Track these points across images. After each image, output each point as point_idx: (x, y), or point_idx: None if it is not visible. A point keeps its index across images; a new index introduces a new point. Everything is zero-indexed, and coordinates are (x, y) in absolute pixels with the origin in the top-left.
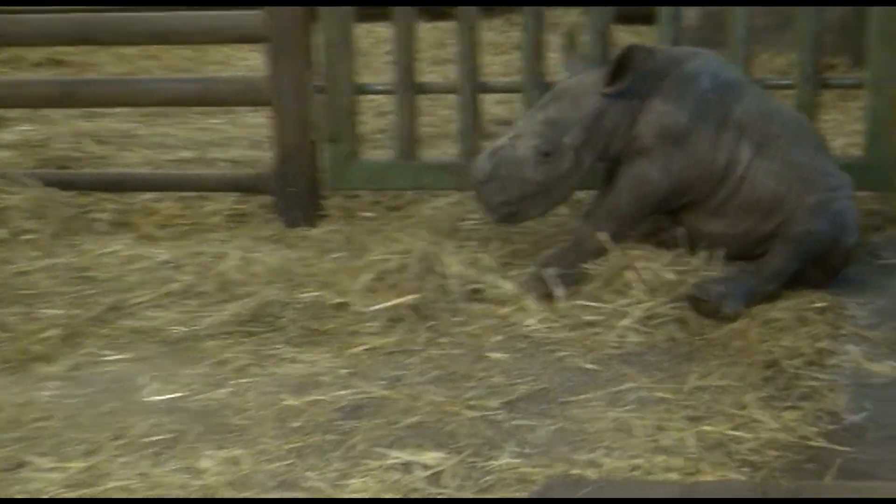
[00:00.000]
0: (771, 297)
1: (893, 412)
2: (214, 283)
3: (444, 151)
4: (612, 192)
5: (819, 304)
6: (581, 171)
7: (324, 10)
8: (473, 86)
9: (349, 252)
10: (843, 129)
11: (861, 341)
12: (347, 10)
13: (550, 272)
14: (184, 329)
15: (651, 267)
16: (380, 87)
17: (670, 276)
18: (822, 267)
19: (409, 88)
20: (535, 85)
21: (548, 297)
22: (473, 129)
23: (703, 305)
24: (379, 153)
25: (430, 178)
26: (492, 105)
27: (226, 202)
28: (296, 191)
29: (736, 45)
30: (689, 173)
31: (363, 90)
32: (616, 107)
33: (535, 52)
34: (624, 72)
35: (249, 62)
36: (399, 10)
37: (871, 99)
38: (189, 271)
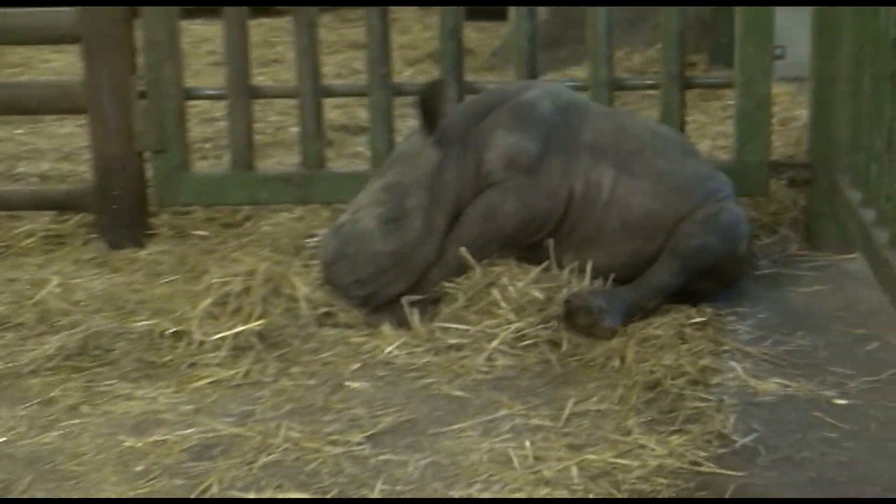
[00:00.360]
0: (648, 313)
1: (783, 432)
2: (34, 314)
3: (279, 161)
4: (459, 224)
5: (698, 320)
6: (438, 235)
7: (146, 7)
8: (315, 89)
9: (183, 275)
10: (708, 130)
11: (744, 358)
12: (172, 7)
13: (404, 300)
14: (2, 365)
15: (516, 284)
16: (210, 92)
17: (537, 293)
18: (717, 280)
19: (243, 93)
20: (381, 87)
21: (404, 323)
22: (315, 136)
23: (581, 318)
24: (211, 165)
25: (268, 192)
26: (329, 109)
27: (39, 222)
28: (119, 208)
29: (596, 41)
30: (544, 205)
31: (191, 95)
32: (453, 155)
33: (380, 52)
34: (432, 111)
35: (53, 64)
36: (230, 8)
37: (740, 99)
38: (3, 300)
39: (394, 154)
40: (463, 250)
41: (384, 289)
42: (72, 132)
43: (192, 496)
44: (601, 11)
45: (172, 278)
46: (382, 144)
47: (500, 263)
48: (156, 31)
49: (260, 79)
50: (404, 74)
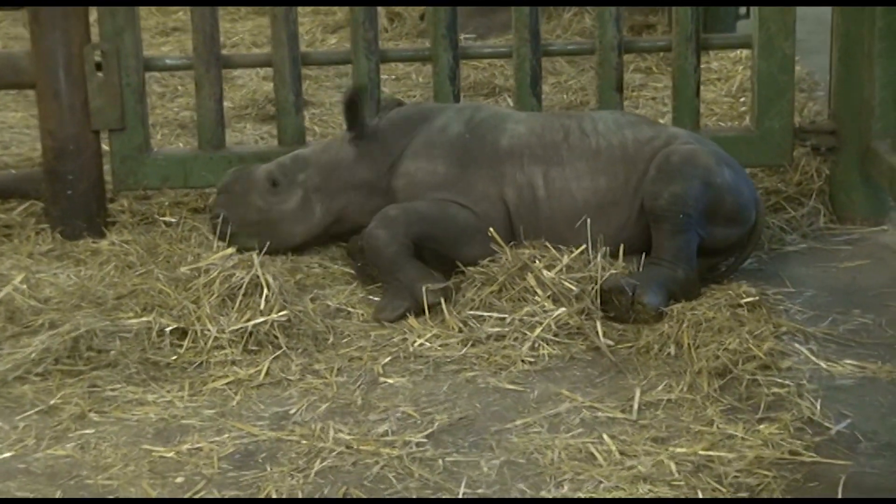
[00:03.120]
0: (690, 290)
1: (876, 417)
2: (1, 314)
3: (244, 138)
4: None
5: (748, 300)
6: (312, 221)
7: None
8: (294, 57)
9: (159, 266)
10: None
11: (806, 339)
12: None
13: (424, 289)
14: None
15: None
16: (173, 62)
17: (570, 284)
18: (732, 222)
19: (215, 62)
20: (368, 54)
21: (420, 310)
22: (295, 108)
23: (618, 298)
24: (176, 144)
25: None
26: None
27: None
28: (74, 194)
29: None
30: (482, 207)
31: (152, 66)
32: (364, 163)
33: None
34: (354, 114)
35: None
36: None
37: (759, 62)
38: None
39: (320, 140)
40: (492, 231)
41: (241, 237)
42: (14, 109)
43: None
44: None
45: (146, 269)
46: (369, 115)
47: (529, 245)
48: None
49: (164, 49)
50: (329, 43)
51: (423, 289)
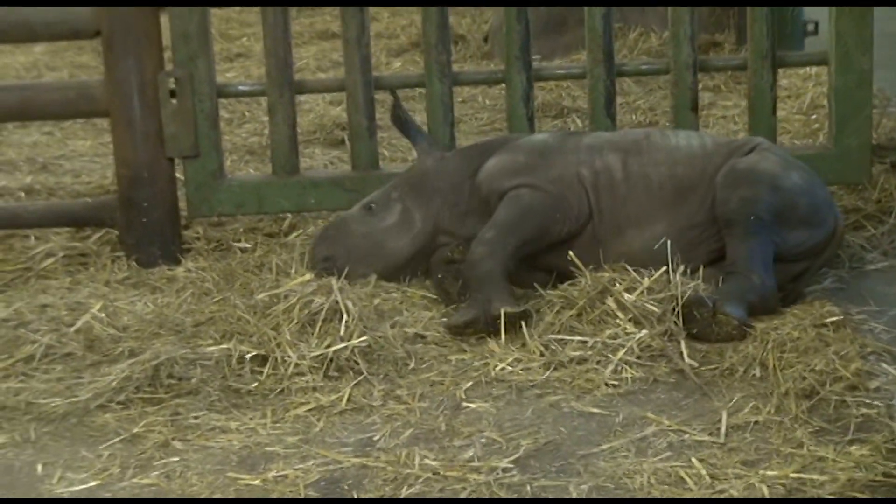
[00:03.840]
0: (768, 298)
1: None
2: (80, 342)
3: (312, 163)
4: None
5: (833, 319)
6: (416, 229)
7: None
8: (366, 81)
9: (236, 292)
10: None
11: (893, 359)
12: None
13: (503, 312)
14: (63, 401)
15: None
16: (247, 88)
17: (652, 306)
18: (800, 225)
19: (286, 87)
20: (441, 77)
21: (491, 333)
22: (368, 133)
23: (699, 311)
24: (246, 170)
25: (316, 197)
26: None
27: (55, 240)
28: (149, 221)
29: (677, 18)
30: (555, 188)
31: (226, 92)
32: (449, 167)
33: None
34: (403, 124)
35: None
36: None
37: (836, 78)
38: (41, 329)
39: None
40: (571, 254)
41: (353, 269)
42: (87, 137)
43: None
44: None
45: (222, 296)
46: (444, 137)
47: (609, 269)
48: (186, 22)
49: (229, 75)
50: (394, 66)
51: (501, 309)
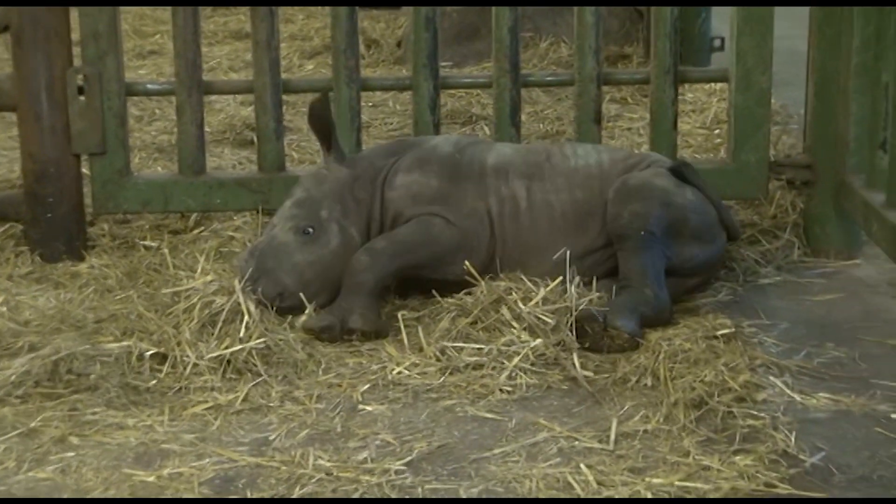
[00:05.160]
0: (662, 309)
1: (850, 450)
2: None
3: (221, 163)
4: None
5: (724, 332)
6: (355, 247)
7: None
8: (275, 83)
9: (139, 290)
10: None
11: (780, 372)
12: None
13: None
14: None
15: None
16: (154, 87)
17: (546, 317)
18: (691, 241)
19: (196, 88)
20: (349, 82)
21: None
22: (276, 135)
23: (590, 325)
24: (154, 168)
25: (222, 198)
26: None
27: None
28: (54, 216)
29: (585, 32)
30: (468, 224)
31: (133, 90)
32: (364, 177)
33: (349, 44)
34: (324, 125)
35: None
36: None
37: (736, 95)
38: None
39: (302, 177)
40: (467, 264)
41: (310, 299)
42: None
43: None
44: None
45: (125, 294)
46: (350, 142)
47: (505, 278)
48: (96, 20)
49: (141, 72)
50: (306, 69)
51: (356, 325)
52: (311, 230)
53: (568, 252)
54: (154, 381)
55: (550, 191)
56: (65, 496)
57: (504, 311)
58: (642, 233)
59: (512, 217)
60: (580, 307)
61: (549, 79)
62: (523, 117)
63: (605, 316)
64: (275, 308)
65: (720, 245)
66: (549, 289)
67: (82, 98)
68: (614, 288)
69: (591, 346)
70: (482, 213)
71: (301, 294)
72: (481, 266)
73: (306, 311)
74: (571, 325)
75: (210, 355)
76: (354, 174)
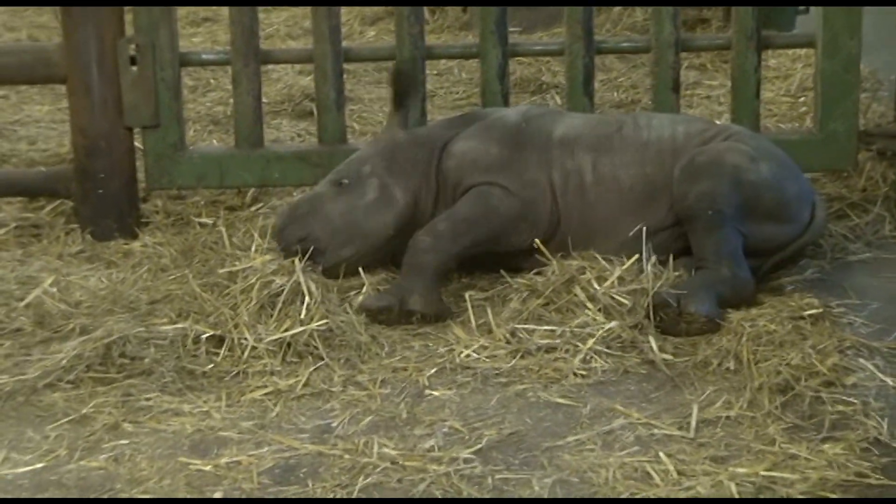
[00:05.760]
0: (741, 288)
1: None
2: (30, 318)
3: (279, 135)
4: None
5: (811, 312)
6: (399, 204)
7: None
8: (336, 53)
9: (194, 269)
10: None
11: (871, 354)
12: None
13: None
14: (10, 379)
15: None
16: (210, 57)
17: (622, 298)
18: (768, 219)
19: (253, 57)
20: (413, 50)
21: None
22: (336, 106)
23: (665, 312)
24: (209, 141)
25: (280, 172)
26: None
27: (7, 211)
28: (105, 193)
29: None
30: (529, 193)
31: (188, 60)
32: (419, 145)
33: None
34: (403, 91)
35: None
36: None
37: (823, 61)
38: None
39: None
40: (537, 241)
41: (333, 250)
42: (46, 105)
43: None
44: None
45: (180, 273)
46: (415, 112)
47: (578, 257)
48: None
49: (195, 40)
50: (367, 36)
51: (416, 307)
52: (346, 181)
53: (644, 229)
54: (210, 366)
55: (619, 165)
56: (117, 486)
57: (577, 291)
58: (710, 212)
59: (576, 192)
60: (656, 289)
61: (624, 45)
62: (597, 85)
63: (678, 300)
64: (296, 252)
65: (803, 223)
66: (624, 268)
67: (134, 69)
68: (692, 269)
69: (667, 331)
70: (543, 185)
71: (325, 241)
72: (542, 241)
73: (363, 290)
74: (648, 307)
75: (269, 338)
76: (413, 138)
